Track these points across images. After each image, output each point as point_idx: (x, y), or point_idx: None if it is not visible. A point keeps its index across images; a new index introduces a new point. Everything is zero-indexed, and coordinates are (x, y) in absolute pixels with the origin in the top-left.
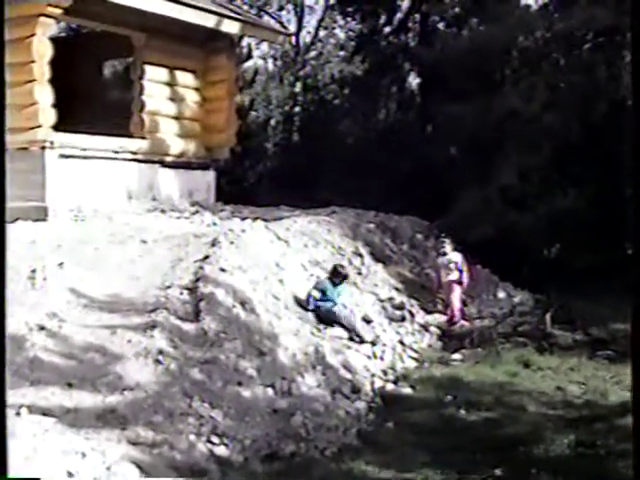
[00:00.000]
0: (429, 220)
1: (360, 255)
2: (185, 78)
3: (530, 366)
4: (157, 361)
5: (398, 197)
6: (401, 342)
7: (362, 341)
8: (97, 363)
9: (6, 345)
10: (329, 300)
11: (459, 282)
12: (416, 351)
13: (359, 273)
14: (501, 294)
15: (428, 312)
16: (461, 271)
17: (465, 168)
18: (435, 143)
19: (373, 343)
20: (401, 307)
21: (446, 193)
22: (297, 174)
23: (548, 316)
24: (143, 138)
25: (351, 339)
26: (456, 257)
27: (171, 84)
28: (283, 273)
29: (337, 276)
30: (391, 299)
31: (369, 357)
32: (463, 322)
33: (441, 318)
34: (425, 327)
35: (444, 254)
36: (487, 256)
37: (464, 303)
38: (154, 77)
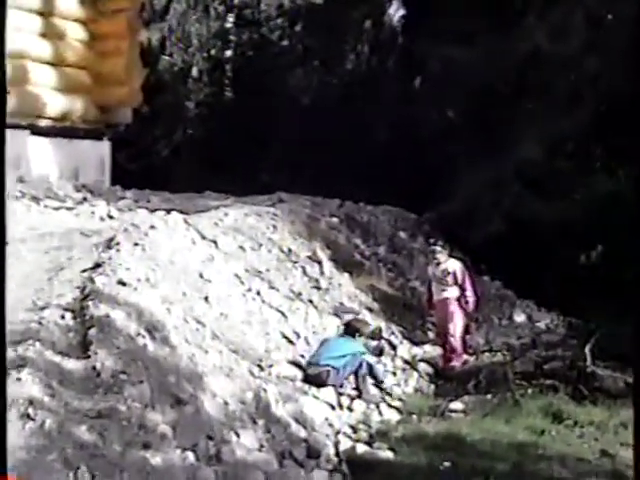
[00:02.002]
0: (416, 212)
1: (318, 262)
2: (67, 3)
3: (563, 420)
4: (26, 416)
5: (373, 180)
6: (377, 385)
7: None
8: None
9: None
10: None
11: (461, 301)
12: (399, 398)
13: (317, 287)
14: (519, 317)
15: (415, 343)
16: (463, 286)
17: (468, 137)
18: (425, 102)
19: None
20: (377, 335)
21: (441, 174)
22: (229, 146)
23: (588, 349)
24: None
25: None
26: (453, 266)
27: (45, 13)
28: (209, 287)
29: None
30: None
31: (332, 407)
32: (465, 357)
33: (434, 351)
34: (411, 364)
35: (437, 263)
36: (498, 263)
37: (467, 330)
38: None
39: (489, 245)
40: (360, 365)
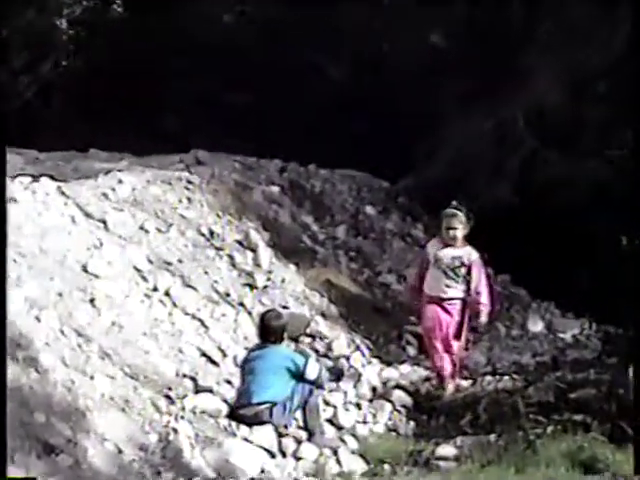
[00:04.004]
0: (388, 179)
1: (252, 249)
2: None
3: (597, 471)
4: None
5: (327, 133)
6: (333, 422)
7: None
8: None
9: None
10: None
11: (468, 307)
12: (365, 440)
13: (250, 285)
14: (535, 325)
15: (388, 362)
16: (477, 287)
17: (459, 71)
18: (399, 22)
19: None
20: (333, 353)
21: (422, 124)
22: (121, 84)
23: (632, 370)
24: None
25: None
26: (471, 255)
27: None
28: (96, 286)
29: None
30: (312, 336)
31: (271, 453)
32: (459, 382)
33: (415, 373)
34: (382, 393)
35: (451, 238)
36: (505, 249)
37: (466, 344)
38: None
39: (492, 224)
40: (310, 393)
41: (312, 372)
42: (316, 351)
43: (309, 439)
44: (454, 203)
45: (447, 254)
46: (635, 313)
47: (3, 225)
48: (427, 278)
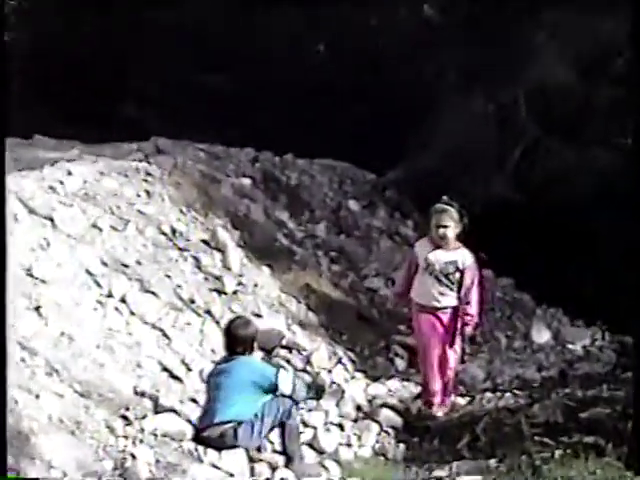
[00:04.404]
0: (375, 170)
1: (219, 249)
2: None
3: None
4: None
5: (306, 118)
6: (312, 446)
7: None
8: None
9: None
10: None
11: (460, 315)
12: (349, 464)
13: (218, 290)
14: (541, 335)
15: (375, 377)
16: (468, 293)
17: (454, 48)
18: None
19: None
20: (312, 367)
21: (412, 108)
22: (70, 58)
23: None
24: None
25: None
26: (465, 258)
27: None
28: (42, 291)
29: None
30: (289, 348)
31: None
32: (454, 400)
33: (404, 390)
34: (368, 412)
35: (440, 237)
36: (506, 249)
37: (462, 356)
38: None
39: (492, 221)
40: (288, 413)
41: (285, 385)
42: (293, 365)
43: (286, 465)
44: (445, 198)
45: (440, 258)
46: None
47: (3, 223)
48: (415, 284)
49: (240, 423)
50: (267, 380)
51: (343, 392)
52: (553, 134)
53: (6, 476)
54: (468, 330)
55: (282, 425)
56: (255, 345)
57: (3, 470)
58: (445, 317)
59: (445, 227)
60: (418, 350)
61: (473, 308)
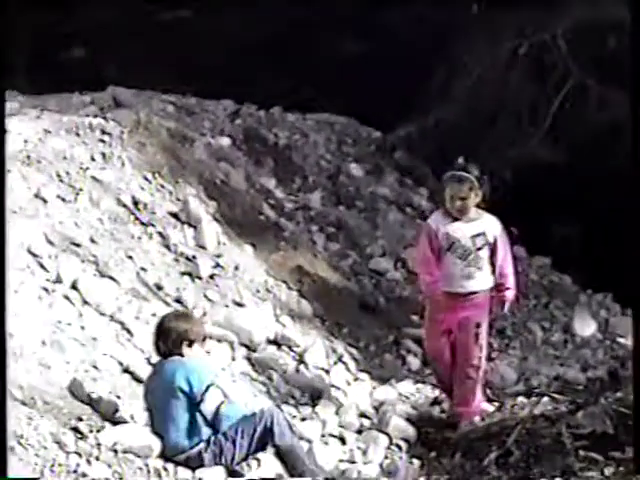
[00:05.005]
0: (380, 127)
1: (190, 224)
2: None
3: None
4: None
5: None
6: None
7: None
8: None
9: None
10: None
11: (501, 288)
12: None
13: (191, 274)
14: (585, 326)
15: (383, 379)
16: (502, 269)
17: None
18: None
19: None
20: (306, 366)
21: (424, 52)
22: None
23: None
24: None
25: None
26: (493, 227)
27: None
28: None
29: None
30: (277, 343)
31: None
32: (482, 405)
33: (419, 394)
34: (375, 421)
35: (458, 210)
36: (542, 221)
37: (488, 353)
38: None
39: (526, 189)
40: (271, 423)
41: (210, 402)
42: (283, 365)
43: None
44: (460, 162)
45: (464, 233)
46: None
47: (3, 222)
48: (441, 268)
49: (208, 443)
50: (190, 386)
51: (344, 395)
52: (601, 80)
53: (6, 476)
54: (507, 308)
55: (276, 448)
56: (183, 343)
57: (3, 470)
58: (471, 306)
59: (463, 199)
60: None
61: (511, 280)
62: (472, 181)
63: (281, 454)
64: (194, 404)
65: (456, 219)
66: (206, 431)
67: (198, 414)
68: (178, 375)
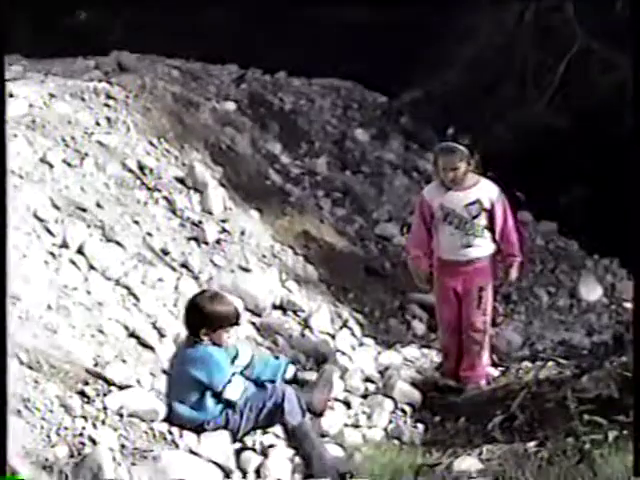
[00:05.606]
0: (386, 91)
1: (196, 189)
2: None
3: None
4: None
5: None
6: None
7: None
8: None
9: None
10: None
11: (496, 265)
12: (355, 448)
13: (197, 239)
14: (591, 291)
15: (388, 343)
16: (504, 234)
17: None
18: None
19: None
20: (312, 331)
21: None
22: None
23: None
24: None
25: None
26: (489, 192)
27: None
28: None
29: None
30: (284, 309)
31: (226, 471)
32: (487, 370)
33: (424, 358)
34: (380, 386)
35: (451, 180)
36: (548, 184)
37: (493, 318)
38: None
39: (528, 151)
40: (282, 399)
41: (232, 391)
42: (289, 330)
43: (304, 470)
44: (450, 131)
45: (459, 202)
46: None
47: (3, 222)
48: (439, 238)
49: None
50: (209, 374)
51: (349, 362)
52: (609, 43)
53: (6, 476)
54: (513, 275)
55: (284, 426)
56: (203, 330)
57: (3, 470)
58: (474, 272)
59: (455, 169)
60: (439, 325)
61: (514, 246)
62: (462, 151)
63: (289, 432)
64: (214, 392)
65: (450, 189)
66: (217, 408)
67: (209, 393)
68: (201, 367)
